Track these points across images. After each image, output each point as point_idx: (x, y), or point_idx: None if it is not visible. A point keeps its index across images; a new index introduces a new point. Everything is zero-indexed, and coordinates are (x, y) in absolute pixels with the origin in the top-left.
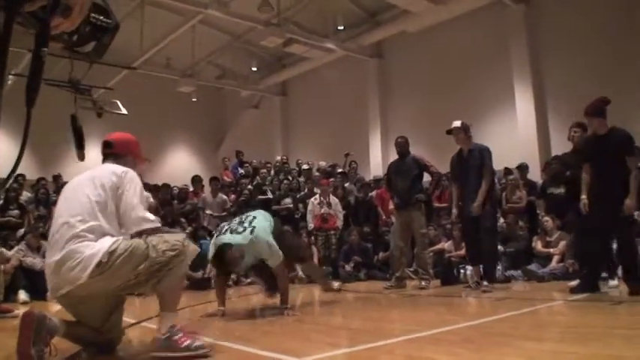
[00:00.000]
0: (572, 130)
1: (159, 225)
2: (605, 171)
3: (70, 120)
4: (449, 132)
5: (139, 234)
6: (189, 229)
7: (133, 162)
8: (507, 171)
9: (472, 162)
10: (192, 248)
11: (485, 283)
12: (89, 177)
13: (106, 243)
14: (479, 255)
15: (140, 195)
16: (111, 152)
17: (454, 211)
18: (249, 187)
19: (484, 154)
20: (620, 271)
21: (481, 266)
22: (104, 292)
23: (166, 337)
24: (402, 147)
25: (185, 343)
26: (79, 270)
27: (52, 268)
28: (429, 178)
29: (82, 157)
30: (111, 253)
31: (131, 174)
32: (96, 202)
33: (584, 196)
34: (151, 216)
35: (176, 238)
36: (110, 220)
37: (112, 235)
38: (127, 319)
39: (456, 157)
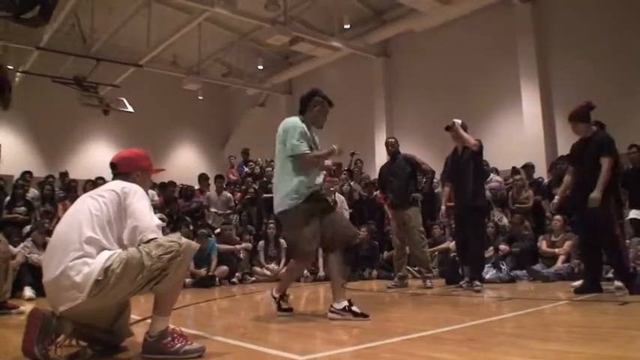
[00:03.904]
0: None
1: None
2: (586, 173)
3: None
4: (448, 128)
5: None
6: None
7: (142, 177)
8: (514, 171)
9: (469, 158)
10: (191, 246)
11: (477, 282)
12: (93, 193)
13: (101, 259)
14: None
15: (149, 205)
16: (117, 173)
17: (443, 208)
18: (255, 185)
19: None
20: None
21: None
22: (107, 306)
23: (154, 340)
24: (394, 147)
25: (174, 347)
26: (77, 290)
27: (49, 286)
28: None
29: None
30: (106, 270)
31: (134, 188)
32: (96, 215)
33: (557, 197)
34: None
35: (170, 239)
36: (109, 234)
37: (110, 250)
38: (133, 315)
39: (451, 156)
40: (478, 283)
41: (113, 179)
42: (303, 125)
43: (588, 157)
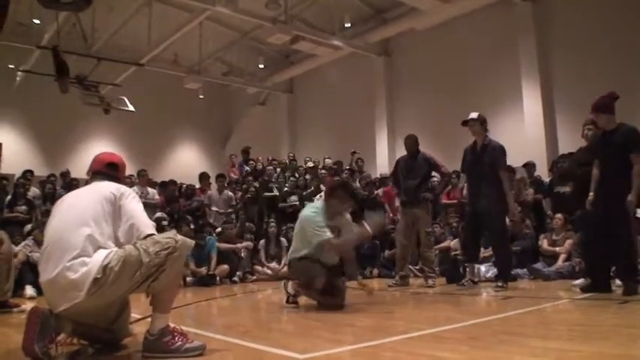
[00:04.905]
0: (585, 127)
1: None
2: (609, 167)
3: (52, 52)
4: (464, 123)
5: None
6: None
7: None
8: (510, 169)
9: (485, 158)
10: (186, 243)
11: (499, 283)
12: (87, 191)
13: (99, 257)
14: (476, 254)
15: (141, 205)
16: (114, 174)
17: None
18: (255, 184)
19: (497, 153)
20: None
21: (478, 265)
22: (105, 304)
23: (155, 338)
24: (412, 146)
25: (175, 345)
26: (76, 289)
27: (47, 286)
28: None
29: (64, 90)
30: (105, 267)
31: (128, 189)
32: (93, 213)
33: (591, 193)
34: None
35: (166, 235)
36: (105, 232)
37: (105, 248)
38: (133, 314)
39: (470, 149)
40: (500, 283)
41: (106, 178)
42: (317, 212)
43: (613, 150)
